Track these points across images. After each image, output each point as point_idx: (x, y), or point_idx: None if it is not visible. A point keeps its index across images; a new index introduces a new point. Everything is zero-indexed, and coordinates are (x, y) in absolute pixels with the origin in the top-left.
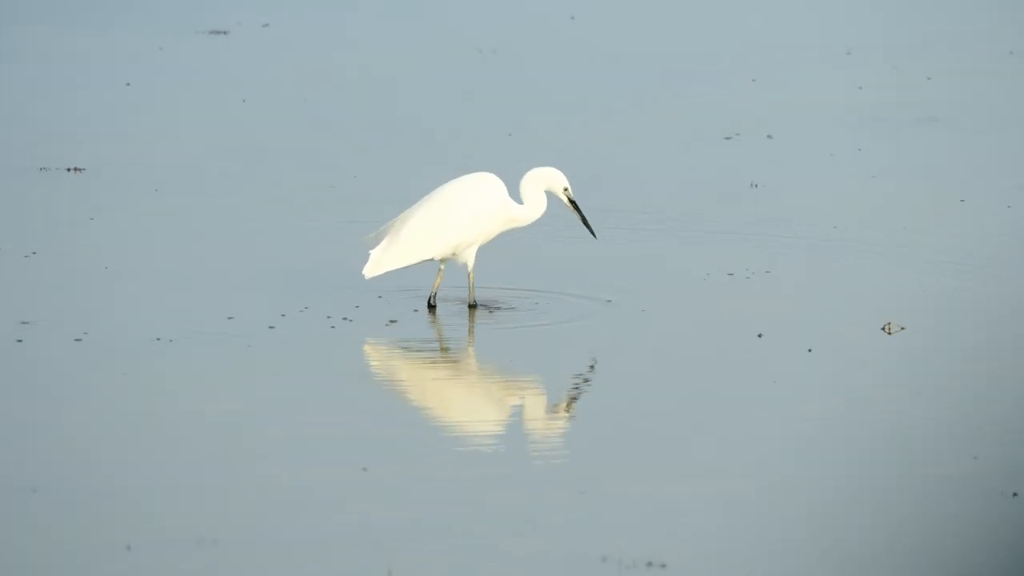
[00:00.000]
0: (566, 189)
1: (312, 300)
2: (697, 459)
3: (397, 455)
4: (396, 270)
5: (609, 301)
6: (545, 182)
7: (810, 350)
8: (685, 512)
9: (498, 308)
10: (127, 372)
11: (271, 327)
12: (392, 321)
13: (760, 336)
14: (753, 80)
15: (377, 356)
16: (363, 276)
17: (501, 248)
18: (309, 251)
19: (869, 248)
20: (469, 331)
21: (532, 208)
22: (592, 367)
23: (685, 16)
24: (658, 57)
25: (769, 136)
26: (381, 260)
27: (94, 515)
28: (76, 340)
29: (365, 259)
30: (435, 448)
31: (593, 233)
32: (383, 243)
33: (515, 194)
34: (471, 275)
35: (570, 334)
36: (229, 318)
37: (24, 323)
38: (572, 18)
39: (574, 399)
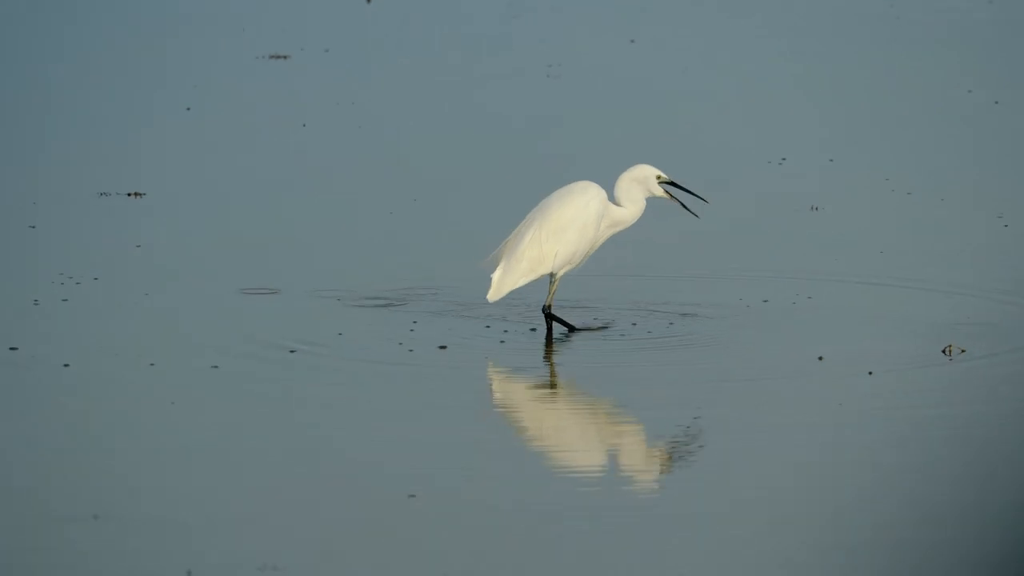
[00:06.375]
0: (659, 176)
1: (390, 323)
2: None
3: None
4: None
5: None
6: (636, 180)
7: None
8: None
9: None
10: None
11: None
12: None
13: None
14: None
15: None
16: (487, 300)
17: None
18: (370, 273)
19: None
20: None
21: (633, 207)
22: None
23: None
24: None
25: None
26: (502, 283)
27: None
28: (151, 365)
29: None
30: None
31: (696, 208)
32: (500, 266)
33: (612, 197)
34: (557, 281)
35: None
36: (290, 347)
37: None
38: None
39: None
